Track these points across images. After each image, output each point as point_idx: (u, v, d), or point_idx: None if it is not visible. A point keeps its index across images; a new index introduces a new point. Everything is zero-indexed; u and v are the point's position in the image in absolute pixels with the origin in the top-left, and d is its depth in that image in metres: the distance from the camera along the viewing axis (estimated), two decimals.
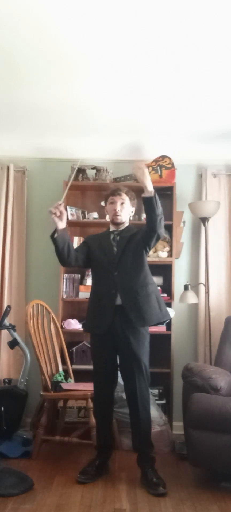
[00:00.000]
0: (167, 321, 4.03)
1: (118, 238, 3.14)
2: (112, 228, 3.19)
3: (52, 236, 3.01)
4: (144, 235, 3.04)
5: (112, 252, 3.10)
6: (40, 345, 3.65)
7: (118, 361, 3.15)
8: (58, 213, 2.94)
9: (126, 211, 3.16)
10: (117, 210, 3.12)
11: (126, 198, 3.14)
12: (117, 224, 3.16)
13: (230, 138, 4.06)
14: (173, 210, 4.15)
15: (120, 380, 3.39)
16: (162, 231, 3.00)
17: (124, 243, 3.09)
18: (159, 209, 2.90)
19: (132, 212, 3.23)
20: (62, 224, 2.98)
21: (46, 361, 3.69)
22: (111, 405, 3.24)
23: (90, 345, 3.26)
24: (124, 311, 3.00)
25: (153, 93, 3.34)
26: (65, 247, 3.03)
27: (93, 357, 3.21)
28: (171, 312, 4.06)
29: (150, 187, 2.86)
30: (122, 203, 3.13)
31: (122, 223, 3.17)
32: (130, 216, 3.25)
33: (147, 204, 2.90)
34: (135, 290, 3.02)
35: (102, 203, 4.14)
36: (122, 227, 3.17)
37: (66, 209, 4.15)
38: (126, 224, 3.19)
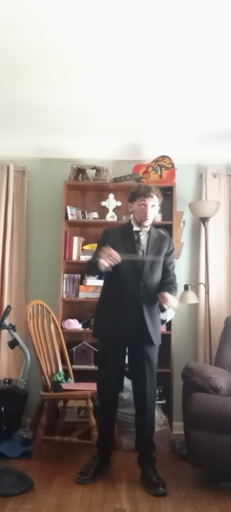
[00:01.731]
0: (167, 321, 4.06)
1: (143, 241, 3.04)
2: (136, 228, 3.05)
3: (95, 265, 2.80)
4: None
5: (139, 257, 2.99)
6: (40, 345, 3.65)
7: (127, 361, 3.14)
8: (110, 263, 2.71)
9: (154, 213, 3.06)
10: (148, 215, 2.99)
11: (156, 200, 3.01)
12: (143, 226, 3.04)
13: (230, 138, 4.06)
14: (173, 210, 4.14)
15: None
16: None
17: (152, 254, 3.01)
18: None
19: (157, 212, 3.13)
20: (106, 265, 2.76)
21: (46, 361, 3.69)
22: (116, 406, 3.21)
23: (100, 348, 3.17)
24: (145, 325, 2.97)
25: (153, 93, 3.34)
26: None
27: (101, 359, 3.13)
28: (171, 312, 4.06)
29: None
30: (153, 205, 3.01)
31: (148, 225, 3.08)
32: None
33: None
34: (155, 307, 3.02)
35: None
36: (146, 229, 3.07)
37: (66, 210, 4.18)
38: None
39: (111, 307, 3.02)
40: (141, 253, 3.02)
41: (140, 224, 3.04)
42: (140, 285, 2.96)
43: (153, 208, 3.02)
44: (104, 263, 2.69)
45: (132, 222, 3.09)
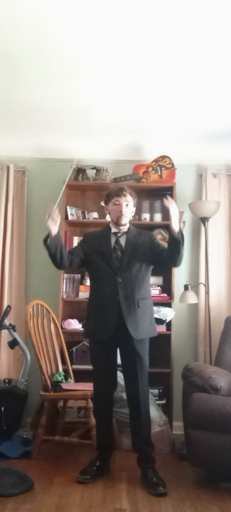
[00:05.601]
0: (167, 321, 4.06)
1: (122, 241, 3.10)
2: (114, 230, 3.13)
3: (45, 241, 2.96)
4: (160, 259, 3.07)
5: (116, 256, 3.06)
6: (40, 345, 3.65)
7: (119, 361, 3.15)
8: (55, 217, 2.89)
9: (129, 211, 3.13)
10: (123, 212, 3.07)
11: (130, 199, 3.10)
12: (120, 225, 3.11)
13: (230, 138, 4.06)
14: None
15: (120, 380, 3.40)
16: (181, 263, 3.06)
17: (130, 250, 3.06)
18: (183, 247, 2.95)
19: (133, 212, 3.20)
20: (55, 229, 2.92)
21: (46, 361, 3.69)
22: (112, 405, 3.23)
23: (90, 348, 3.26)
24: (124, 320, 3.00)
25: (153, 93, 3.34)
26: (57, 252, 2.96)
27: (93, 358, 3.19)
28: (171, 312, 4.06)
29: (177, 227, 2.91)
30: (127, 204, 3.08)
31: (125, 224, 3.14)
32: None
33: (174, 244, 2.93)
34: (136, 301, 3.02)
35: (102, 203, 4.16)
36: (124, 229, 3.14)
37: (66, 210, 4.18)
38: (127, 225, 3.16)
39: (94, 306, 3.11)
40: (119, 253, 3.08)
41: (117, 223, 3.11)
42: (117, 281, 3.01)
43: (128, 207, 3.09)
44: (50, 222, 2.87)
45: (110, 225, 3.17)
